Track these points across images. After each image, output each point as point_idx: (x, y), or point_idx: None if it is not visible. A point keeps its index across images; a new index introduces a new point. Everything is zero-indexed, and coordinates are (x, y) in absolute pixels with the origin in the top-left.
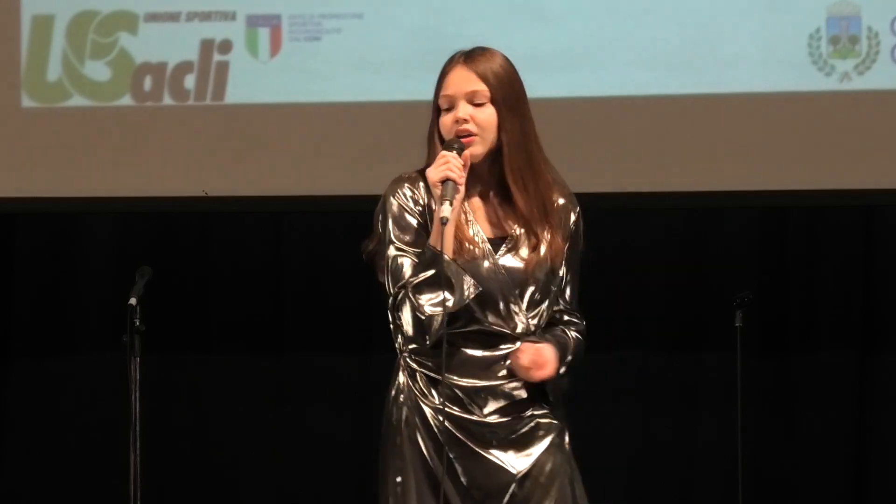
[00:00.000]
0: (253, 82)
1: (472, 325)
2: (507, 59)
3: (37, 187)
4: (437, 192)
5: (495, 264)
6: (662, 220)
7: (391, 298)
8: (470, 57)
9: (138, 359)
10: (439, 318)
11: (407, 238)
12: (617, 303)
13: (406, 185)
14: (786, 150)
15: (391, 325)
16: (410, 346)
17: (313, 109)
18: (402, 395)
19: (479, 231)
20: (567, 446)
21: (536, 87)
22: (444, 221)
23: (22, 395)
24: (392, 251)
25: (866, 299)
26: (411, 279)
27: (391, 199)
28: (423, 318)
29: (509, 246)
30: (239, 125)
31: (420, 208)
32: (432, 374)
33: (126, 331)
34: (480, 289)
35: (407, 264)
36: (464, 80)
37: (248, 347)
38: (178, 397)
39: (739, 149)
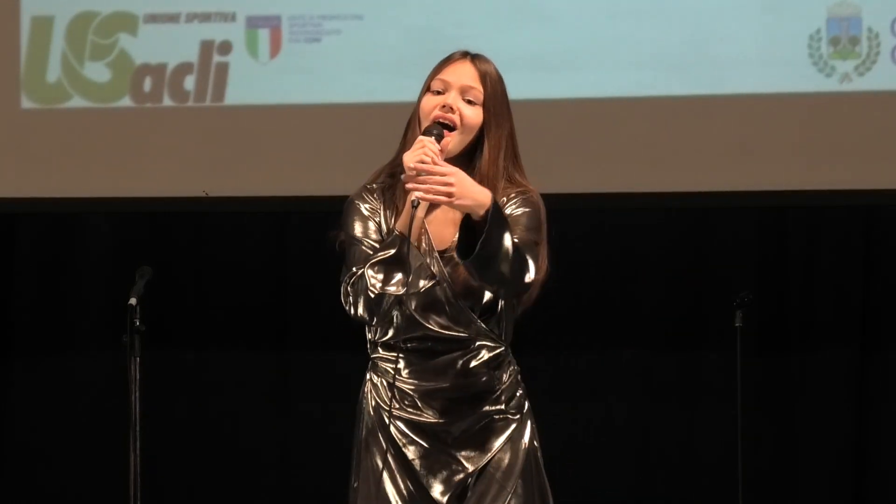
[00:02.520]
0: (253, 83)
1: (419, 330)
2: (499, 72)
3: (37, 187)
4: (411, 175)
5: (440, 271)
6: (662, 220)
7: (345, 280)
8: (475, 57)
9: (138, 358)
10: (388, 299)
11: (363, 233)
12: (617, 303)
13: (365, 194)
14: (786, 150)
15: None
16: (380, 339)
17: (313, 110)
18: (363, 405)
19: (428, 236)
20: (526, 441)
21: (536, 87)
22: (414, 205)
23: (22, 394)
24: (354, 244)
25: (866, 299)
26: (370, 258)
27: (350, 205)
28: (372, 295)
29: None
30: (239, 126)
31: (378, 216)
32: (393, 381)
33: (126, 331)
34: (434, 283)
35: (365, 255)
36: (466, 74)
37: (249, 347)
38: (178, 397)
39: (739, 149)
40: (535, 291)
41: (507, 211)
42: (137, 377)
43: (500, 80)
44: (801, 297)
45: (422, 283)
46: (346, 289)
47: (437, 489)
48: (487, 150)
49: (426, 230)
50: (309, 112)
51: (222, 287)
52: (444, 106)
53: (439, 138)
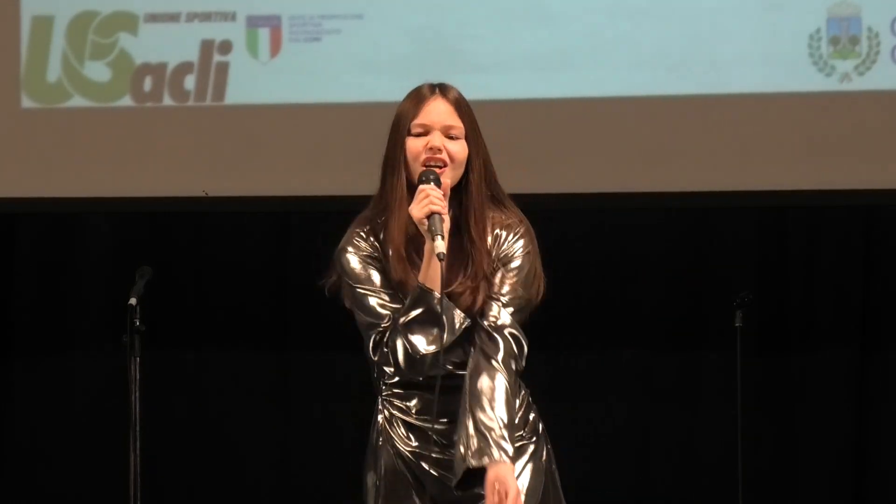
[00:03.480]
0: (253, 83)
1: (441, 371)
2: (464, 97)
3: (37, 187)
4: (423, 228)
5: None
6: (662, 220)
7: (370, 338)
8: (443, 90)
9: (138, 359)
10: (430, 357)
11: (371, 282)
12: (617, 303)
13: (354, 238)
14: (786, 150)
15: (369, 364)
16: (395, 380)
17: (313, 110)
18: (379, 441)
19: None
20: (544, 461)
21: (536, 87)
22: (441, 257)
23: (22, 394)
24: (359, 292)
25: (866, 299)
26: (400, 317)
27: (345, 255)
28: (416, 357)
29: (460, 286)
30: (239, 126)
31: (376, 255)
32: (408, 420)
33: (126, 331)
34: (469, 321)
35: (376, 303)
36: (444, 113)
37: (249, 347)
38: (178, 397)
39: (739, 149)
40: (533, 312)
41: (500, 275)
42: (137, 377)
43: (467, 104)
44: (801, 297)
45: (458, 326)
46: (378, 344)
47: None
48: (474, 178)
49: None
50: (309, 112)
51: (222, 287)
52: (430, 148)
53: (437, 183)
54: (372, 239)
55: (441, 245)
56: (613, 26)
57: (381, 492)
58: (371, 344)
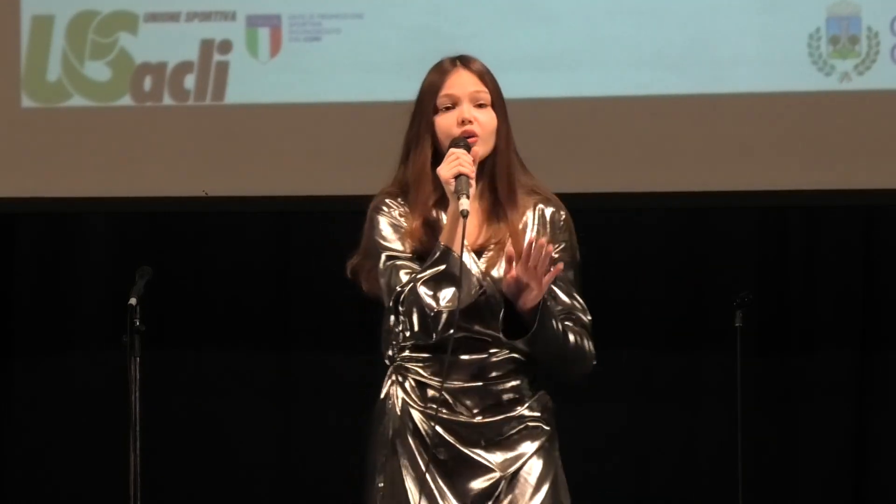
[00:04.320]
0: (253, 82)
1: (458, 332)
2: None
3: (37, 187)
4: (449, 188)
5: (480, 272)
6: (662, 220)
7: (392, 298)
8: (465, 61)
9: (138, 359)
10: (445, 315)
11: (398, 247)
12: (617, 303)
13: (387, 199)
14: (786, 150)
15: (384, 331)
16: (410, 343)
17: (313, 109)
18: (388, 404)
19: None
20: (556, 453)
21: (536, 87)
22: (464, 214)
23: (22, 394)
24: (385, 258)
25: (866, 299)
26: (419, 275)
27: (377, 214)
28: (430, 313)
29: (494, 253)
30: (239, 125)
31: (404, 220)
32: (421, 379)
33: (126, 331)
34: (485, 286)
35: (402, 269)
36: (468, 82)
37: (249, 347)
38: (178, 397)
39: (739, 149)
40: None
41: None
42: (137, 377)
43: (491, 72)
44: (801, 297)
45: (475, 289)
46: (396, 303)
47: (464, 491)
48: (501, 145)
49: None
50: (309, 112)
51: (222, 287)
52: (462, 121)
53: (467, 149)
54: (401, 206)
55: (465, 203)
56: (613, 26)
57: (388, 454)
58: (390, 304)
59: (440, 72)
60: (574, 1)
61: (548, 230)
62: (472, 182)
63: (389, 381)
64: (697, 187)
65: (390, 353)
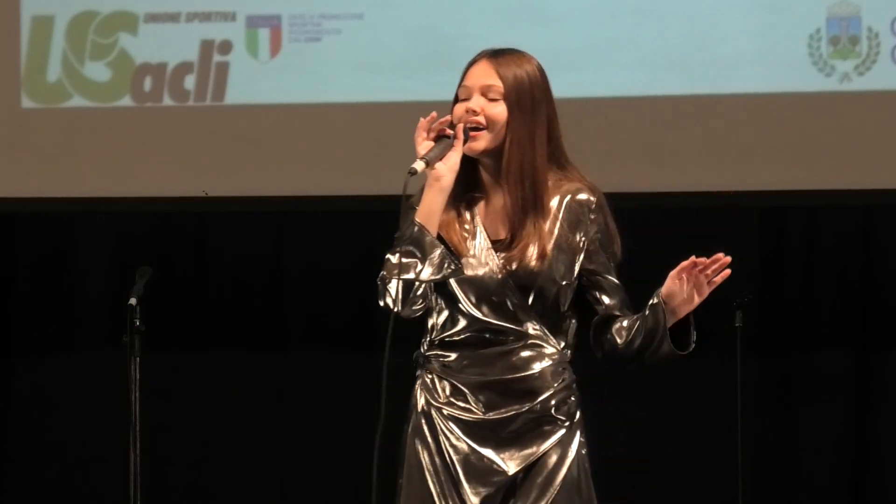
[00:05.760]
0: (253, 83)
1: (476, 325)
2: (536, 65)
3: (37, 187)
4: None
5: (496, 263)
6: (662, 220)
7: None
8: (496, 54)
9: (138, 359)
10: (396, 282)
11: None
12: None
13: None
14: (786, 150)
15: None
16: (438, 338)
17: (313, 110)
18: (412, 401)
19: (482, 229)
20: (574, 450)
21: None
22: (410, 172)
23: (22, 394)
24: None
25: (865, 299)
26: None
27: (404, 205)
28: (385, 283)
29: (511, 246)
30: (239, 126)
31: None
32: (441, 374)
33: (126, 331)
34: (461, 268)
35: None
36: (483, 74)
37: (249, 347)
38: (178, 397)
39: (739, 149)
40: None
41: (603, 258)
42: (137, 377)
43: (526, 70)
44: (801, 297)
45: (445, 271)
46: (378, 283)
47: (474, 489)
48: (511, 137)
49: (481, 224)
50: (309, 112)
51: (222, 287)
52: (467, 110)
53: (465, 135)
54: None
55: (419, 165)
56: (613, 26)
57: (407, 450)
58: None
59: (470, 63)
60: (574, 1)
61: (578, 218)
62: (452, 155)
63: (418, 378)
64: (697, 187)
65: (422, 349)
